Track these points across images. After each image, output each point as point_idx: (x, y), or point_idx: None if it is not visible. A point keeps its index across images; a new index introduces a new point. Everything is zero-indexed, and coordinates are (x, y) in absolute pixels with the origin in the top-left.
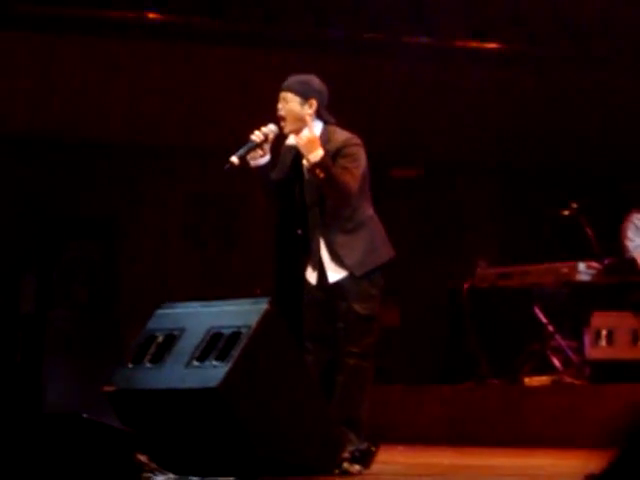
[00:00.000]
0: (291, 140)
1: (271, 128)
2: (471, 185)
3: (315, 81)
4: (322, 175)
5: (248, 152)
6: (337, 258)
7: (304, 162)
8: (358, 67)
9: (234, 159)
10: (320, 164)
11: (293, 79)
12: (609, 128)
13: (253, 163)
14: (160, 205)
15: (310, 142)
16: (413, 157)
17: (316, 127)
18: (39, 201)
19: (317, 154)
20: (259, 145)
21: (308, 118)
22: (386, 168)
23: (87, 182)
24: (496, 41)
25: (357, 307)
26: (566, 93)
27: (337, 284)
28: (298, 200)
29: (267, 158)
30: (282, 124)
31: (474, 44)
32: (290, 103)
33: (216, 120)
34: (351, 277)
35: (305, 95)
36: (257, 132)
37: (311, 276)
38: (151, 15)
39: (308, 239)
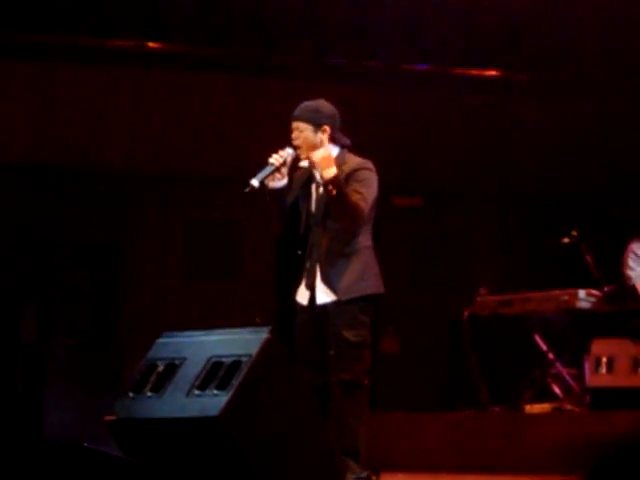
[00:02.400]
0: (306, 162)
1: (289, 152)
2: (471, 213)
3: (325, 106)
4: (334, 192)
5: (267, 175)
6: (328, 280)
7: (317, 178)
8: (358, 94)
9: (254, 182)
10: (333, 181)
11: (303, 108)
12: (609, 155)
13: (271, 185)
14: (160, 233)
15: (325, 159)
16: (414, 185)
17: (332, 151)
18: (39, 229)
19: (331, 171)
20: (278, 168)
21: (325, 143)
22: (387, 196)
23: (87, 210)
24: (495, 68)
25: (347, 334)
26: (566, 120)
27: (327, 309)
28: (304, 221)
29: (285, 181)
30: (298, 152)
31: (473, 71)
32: (304, 132)
33: (217, 148)
34: (339, 302)
35: (317, 122)
36: (276, 155)
37: (303, 296)
38: (151, 44)
39: (305, 260)
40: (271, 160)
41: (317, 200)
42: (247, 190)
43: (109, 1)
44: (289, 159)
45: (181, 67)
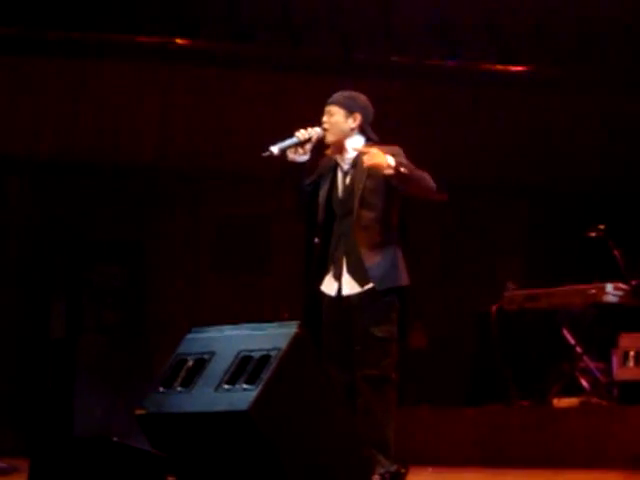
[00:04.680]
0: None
1: (317, 130)
2: (498, 207)
3: (361, 97)
4: (406, 171)
5: (289, 146)
6: (357, 271)
7: (344, 168)
8: (386, 90)
9: (274, 149)
10: (399, 162)
11: (339, 93)
12: (637, 150)
13: (291, 157)
14: (189, 228)
15: (376, 156)
16: (440, 179)
17: (358, 142)
18: (68, 225)
19: (390, 159)
20: (301, 143)
21: (355, 130)
22: None
23: (116, 206)
24: (522, 64)
25: (374, 330)
26: (592, 115)
27: (352, 303)
28: (322, 209)
29: (306, 158)
30: (326, 135)
31: (500, 67)
32: (334, 116)
33: (245, 144)
34: (366, 295)
35: (350, 109)
36: (302, 130)
37: (330, 287)
38: (180, 40)
39: (328, 250)
40: (297, 133)
41: (345, 190)
42: (265, 154)
43: None
44: (315, 137)
45: (210, 63)
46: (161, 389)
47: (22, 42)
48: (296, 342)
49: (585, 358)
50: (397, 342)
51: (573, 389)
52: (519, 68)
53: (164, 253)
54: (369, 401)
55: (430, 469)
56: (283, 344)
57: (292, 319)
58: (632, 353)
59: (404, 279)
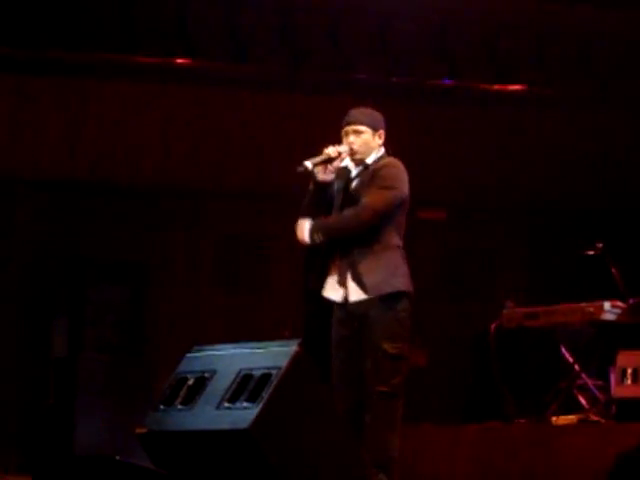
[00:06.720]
0: (345, 162)
1: (345, 148)
2: (497, 226)
3: (377, 113)
4: (322, 238)
5: (322, 162)
6: (358, 278)
7: (352, 175)
8: (384, 109)
9: (308, 163)
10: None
11: (360, 113)
12: (635, 169)
13: (321, 177)
14: (190, 248)
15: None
16: (439, 198)
17: (379, 153)
18: (70, 245)
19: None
20: (330, 160)
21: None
22: (412, 210)
23: (118, 225)
24: (520, 83)
25: (386, 346)
26: (590, 133)
27: (363, 313)
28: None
29: (332, 176)
30: (354, 154)
31: (498, 86)
32: (363, 135)
33: (245, 164)
34: (380, 304)
35: (375, 127)
36: (332, 147)
37: (335, 293)
38: (180, 60)
39: (333, 256)
40: (327, 150)
41: (348, 199)
42: (300, 170)
43: (137, 18)
44: (343, 155)
45: (210, 83)
46: (162, 407)
47: (22, 62)
48: (297, 360)
49: (583, 376)
50: (406, 360)
51: (571, 406)
52: (517, 87)
53: (165, 272)
54: (377, 418)
55: None
56: (284, 362)
57: (293, 337)
58: (630, 370)
59: (403, 285)
